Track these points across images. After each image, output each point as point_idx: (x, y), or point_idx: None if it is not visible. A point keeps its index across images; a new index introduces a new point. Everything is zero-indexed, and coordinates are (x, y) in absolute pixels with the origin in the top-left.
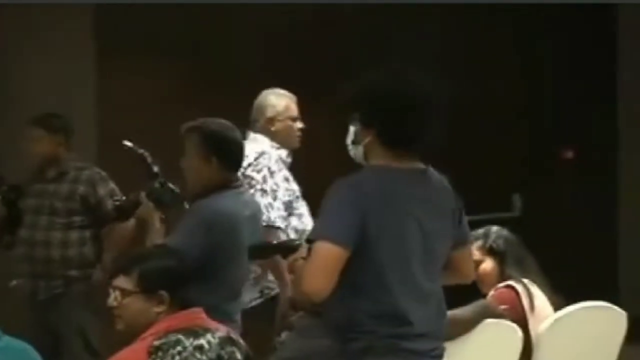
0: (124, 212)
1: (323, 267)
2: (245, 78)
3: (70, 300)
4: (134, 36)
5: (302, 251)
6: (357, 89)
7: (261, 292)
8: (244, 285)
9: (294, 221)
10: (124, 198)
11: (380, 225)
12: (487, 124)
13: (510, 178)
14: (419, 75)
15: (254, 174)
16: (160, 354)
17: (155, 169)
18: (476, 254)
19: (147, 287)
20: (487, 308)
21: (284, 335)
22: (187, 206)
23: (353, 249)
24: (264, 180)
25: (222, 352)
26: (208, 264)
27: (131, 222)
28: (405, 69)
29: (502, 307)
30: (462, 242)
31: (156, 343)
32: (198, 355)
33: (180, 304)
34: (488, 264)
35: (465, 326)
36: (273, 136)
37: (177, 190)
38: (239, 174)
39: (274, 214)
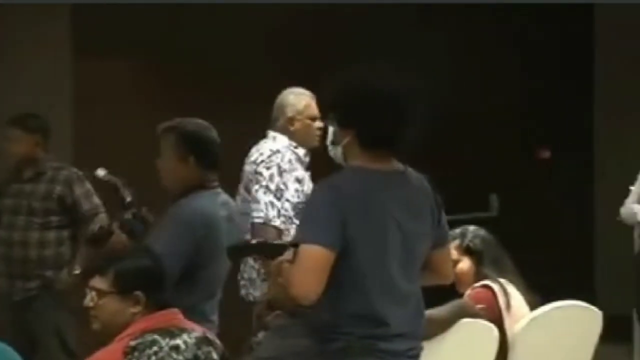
0: (97, 241)
1: (311, 270)
2: (222, 79)
3: (47, 300)
4: (110, 37)
5: (288, 254)
6: (335, 89)
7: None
8: (221, 285)
9: None
10: (98, 226)
11: (361, 227)
12: (463, 124)
13: (488, 178)
14: (397, 74)
15: (263, 170)
16: (136, 354)
17: (129, 198)
18: (453, 254)
19: (123, 288)
20: (464, 308)
21: (260, 335)
22: None
23: (339, 250)
24: (271, 178)
25: (199, 352)
26: (186, 264)
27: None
28: (383, 68)
29: (479, 306)
30: (441, 242)
31: (132, 343)
32: (174, 355)
33: (157, 304)
34: (465, 264)
35: (442, 326)
36: (292, 135)
37: (150, 218)
38: (252, 169)
39: (272, 213)
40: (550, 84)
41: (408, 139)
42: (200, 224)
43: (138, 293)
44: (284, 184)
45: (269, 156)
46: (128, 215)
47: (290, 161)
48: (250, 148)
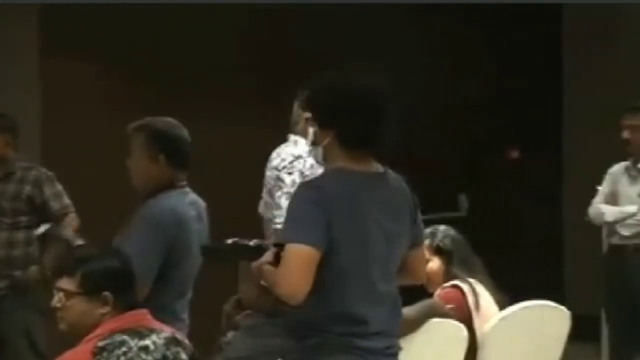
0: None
1: (299, 269)
2: (191, 79)
3: (16, 300)
4: (78, 38)
5: (268, 255)
6: (314, 91)
7: None
8: (192, 284)
9: None
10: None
11: (344, 227)
12: (432, 123)
13: (457, 177)
14: (374, 75)
15: (285, 176)
16: (105, 354)
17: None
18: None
19: (91, 289)
20: (433, 307)
21: (230, 335)
22: None
23: (324, 249)
24: (293, 184)
25: (168, 353)
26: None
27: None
28: (361, 68)
29: (448, 306)
30: (417, 242)
31: (101, 344)
32: (143, 355)
33: (125, 304)
34: (435, 263)
35: (412, 325)
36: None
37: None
38: (274, 175)
39: None
40: (520, 84)
41: (387, 140)
42: (171, 223)
43: (106, 294)
44: None
45: (291, 162)
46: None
47: (312, 166)
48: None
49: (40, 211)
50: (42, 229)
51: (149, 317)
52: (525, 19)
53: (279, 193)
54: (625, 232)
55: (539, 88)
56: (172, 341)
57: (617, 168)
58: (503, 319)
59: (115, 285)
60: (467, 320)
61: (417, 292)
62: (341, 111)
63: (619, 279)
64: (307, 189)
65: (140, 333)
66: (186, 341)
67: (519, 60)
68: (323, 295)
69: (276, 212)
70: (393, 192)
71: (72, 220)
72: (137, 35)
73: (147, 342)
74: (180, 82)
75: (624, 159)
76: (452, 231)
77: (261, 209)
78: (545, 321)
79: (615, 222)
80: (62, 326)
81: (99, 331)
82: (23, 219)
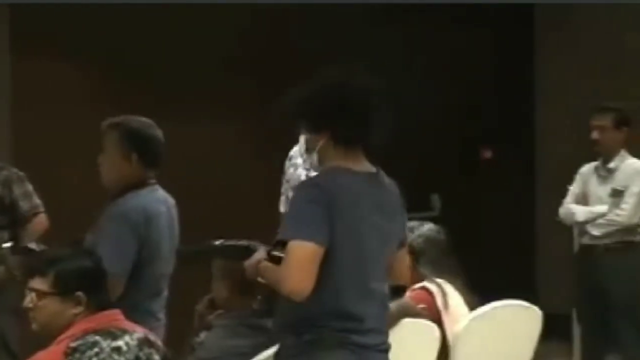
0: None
1: (305, 265)
2: (163, 79)
3: None
4: (49, 37)
5: (259, 253)
6: (299, 98)
7: None
8: (167, 282)
9: None
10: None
11: (343, 226)
12: (406, 123)
13: (430, 177)
14: (363, 73)
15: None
16: (77, 355)
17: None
18: None
19: (64, 289)
20: (406, 307)
21: (202, 335)
22: None
23: (326, 247)
24: None
25: (140, 354)
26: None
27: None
28: (347, 68)
29: (420, 306)
30: (403, 242)
31: (73, 344)
32: (116, 356)
33: (98, 304)
34: None
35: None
36: None
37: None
38: (303, 176)
39: None
40: (493, 84)
41: (378, 138)
42: (142, 220)
43: (79, 294)
44: None
45: None
46: None
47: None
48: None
49: (9, 211)
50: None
51: (121, 317)
52: (497, 19)
53: None
54: (595, 232)
55: (512, 88)
56: (145, 342)
57: (587, 168)
58: (475, 318)
59: (88, 285)
60: (437, 321)
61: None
62: (335, 111)
63: (589, 279)
64: (308, 187)
65: (112, 334)
66: (159, 342)
67: (493, 60)
68: (320, 291)
69: None
70: (387, 193)
71: (42, 221)
72: (107, 35)
73: (120, 343)
74: (152, 81)
75: (595, 160)
76: (427, 230)
77: (283, 206)
78: (517, 321)
79: (585, 222)
80: (35, 326)
81: (71, 331)
82: None
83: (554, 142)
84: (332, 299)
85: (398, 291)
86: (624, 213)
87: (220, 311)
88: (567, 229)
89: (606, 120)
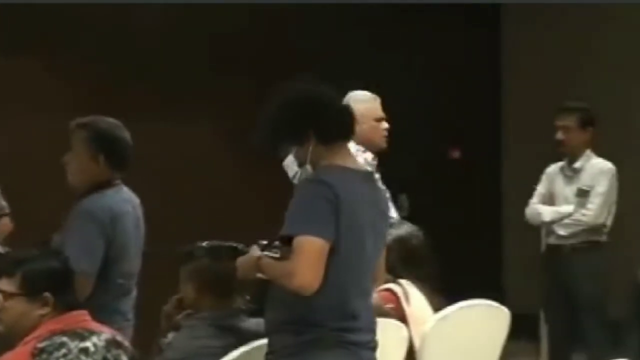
0: None
1: (312, 261)
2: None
3: None
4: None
5: (254, 251)
6: (271, 116)
7: None
8: (134, 282)
9: None
10: None
11: (346, 223)
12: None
13: (398, 178)
14: (313, 81)
15: None
16: (44, 356)
17: None
18: None
19: (31, 289)
20: (376, 306)
21: (170, 335)
22: None
23: (332, 242)
24: None
25: (108, 355)
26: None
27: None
28: (308, 80)
29: (388, 306)
30: (385, 243)
31: (40, 345)
32: (83, 357)
33: (65, 305)
34: None
35: None
36: (358, 138)
37: None
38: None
39: None
40: (461, 84)
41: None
42: (108, 220)
43: (46, 295)
44: None
45: None
46: None
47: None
48: None
49: None
50: None
51: (89, 318)
52: (464, 19)
53: None
54: (562, 232)
55: (479, 88)
56: (113, 343)
57: (553, 168)
58: (442, 318)
59: (55, 285)
60: (403, 321)
61: None
62: (310, 110)
63: (556, 279)
64: (315, 183)
65: (80, 335)
66: (126, 343)
67: (460, 60)
68: (321, 288)
69: None
70: (380, 191)
71: (6, 222)
72: (75, 34)
73: (88, 344)
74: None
75: (562, 160)
76: (406, 231)
77: None
78: (485, 320)
79: (552, 222)
80: (1, 327)
81: (38, 332)
82: None
83: (522, 142)
84: (332, 297)
85: None
86: (590, 213)
87: (188, 311)
88: (534, 229)
89: (571, 121)
